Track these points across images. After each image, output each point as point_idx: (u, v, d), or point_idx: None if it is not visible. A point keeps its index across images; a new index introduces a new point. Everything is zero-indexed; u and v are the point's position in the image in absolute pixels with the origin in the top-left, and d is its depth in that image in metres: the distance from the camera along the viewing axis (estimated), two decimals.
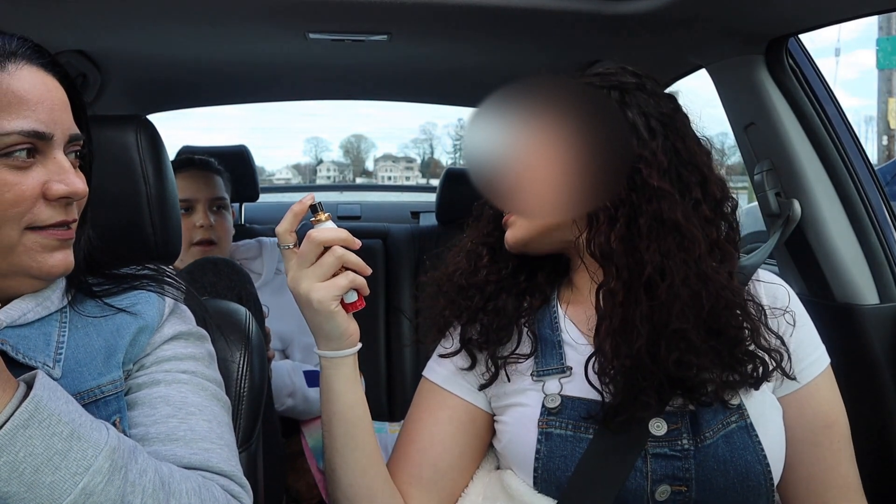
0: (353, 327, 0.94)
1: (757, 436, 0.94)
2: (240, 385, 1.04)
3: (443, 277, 1.07)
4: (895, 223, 1.50)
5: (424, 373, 1.07)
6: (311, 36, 1.60)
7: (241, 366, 1.04)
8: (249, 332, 1.08)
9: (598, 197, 0.92)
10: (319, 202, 0.93)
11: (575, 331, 1.01)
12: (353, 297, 0.93)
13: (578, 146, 0.91)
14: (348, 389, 0.95)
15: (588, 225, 0.95)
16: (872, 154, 13.10)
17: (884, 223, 1.48)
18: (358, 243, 0.92)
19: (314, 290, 0.89)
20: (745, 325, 0.94)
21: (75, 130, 0.82)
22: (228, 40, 1.70)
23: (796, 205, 1.47)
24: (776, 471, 0.95)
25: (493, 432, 1.04)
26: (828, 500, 0.99)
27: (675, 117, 0.98)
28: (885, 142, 14.08)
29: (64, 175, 0.78)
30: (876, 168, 1.58)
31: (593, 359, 0.94)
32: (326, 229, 0.91)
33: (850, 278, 1.45)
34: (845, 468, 1.00)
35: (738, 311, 0.94)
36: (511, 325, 1.01)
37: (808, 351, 1.00)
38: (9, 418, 0.63)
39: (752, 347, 0.94)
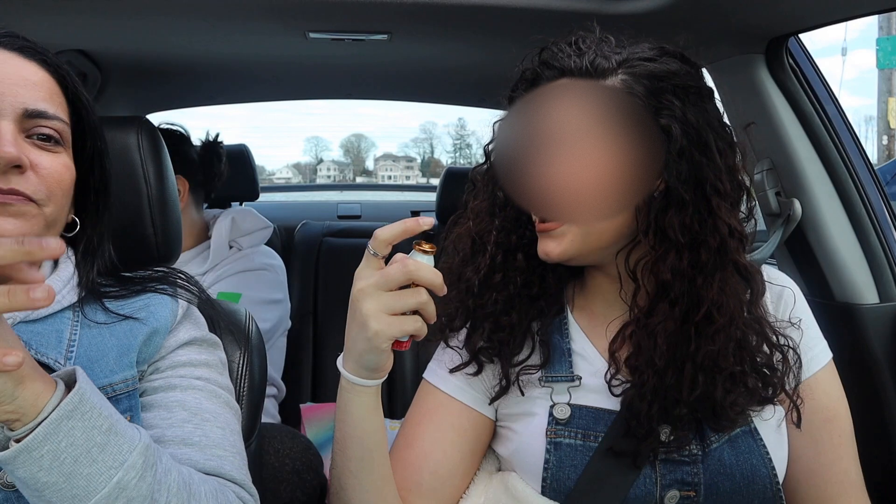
0: (389, 363, 0.85)
1: (761, 439, 0.93)
2: (240, 385, 1.04)
3: (449, 279, 0.98)
4: (895, 223, 1.50)
5: (426, 375, 1.03)
6: (312, 35, 1.60)
7: (241, 366, 1.05)
8: (249, 332, 1.09)
9: (644, 190, 0.88)
10: (434, 232, 0.82)
11: (584, 340, 0.99)
12: (404, 337, 0.82)
13: (618, 149, 0.88)
14: (367, 416, 0.87)
15: (632, 241, 0.91)
16: (872, 154, 13.11)
17: (884, 223, 1.48)
18: (444, 292, 0.82)
19: (377, 320, 0.79)
20: (776, 358, 0.93)
21: (36, 106, 0.81)
22: (229, 40, 1.70)
23: (796, 204, 1.47)
24: (780, 472, 0.94)
25: (494, 435, 1.02)
26: (829, 495, 0.98)
27: (725, 126, 0.92)
28: (885, 141, 14.08)
29: None
30: (876, 168, 1.58)
31: (620, 383, 0.93)
32: (426, 266, 0.80)
33: (850, 278, 1.45)
34: (847, 464, 0.99)
35: (773, 347, 0.93)
36: (524, 337, 0.98)
37: (810, 346, 0.99)
38: (54, 409, 0.65)
39: (776, 377, 0.93)
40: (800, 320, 0.99)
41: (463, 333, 1.01)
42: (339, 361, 0.87)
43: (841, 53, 15.01)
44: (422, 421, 1.00)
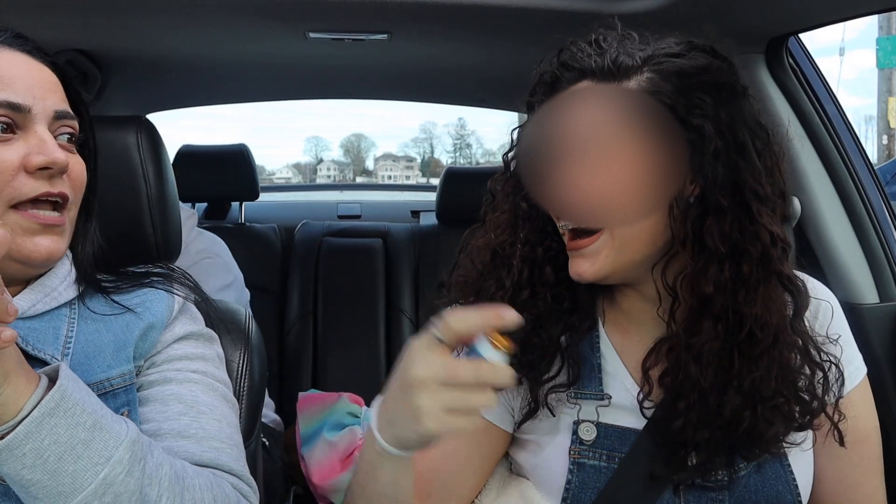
0: None
1: (789, 465, 0.90)
2: (240, 384, 1.04)
3: (466, 293, 0.94)
4: (895, 223, 1.50)
5: None
6: (312, 35, 1.60)
7: (240, 365, 1.05)
8: (249, 332, 1.09)
9: (675, 186, 0.83)
10: (514, 330, 0.69)
11: (615, 357, 0.94)
12: None
13: (646, 151, 0.83)
14: (402, 478, 0.81)
15: (668, 253, 0.86)
16: (872, 153, 13.11)
17: (884, 223, 1.48)
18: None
19: (433, 420, 0.69)
20: (817, 378, 0.89)
21: (61, 107, 0.82)
22: (229, 40, 1.71)
23: (796, 202, 1.47)
24: (805, 496, 0.91)
25: (512, 441, 0.97)
26: None
27: (762, 126, 0.87)
28: (885, 141, 14.07)
29: (43, 146, 0.78)
30: (876, 167, 1.59)
31: (652, 404, 0.89)
32: (503, 369, 0.69)
33: (850, 278, 1.45)
34: (873, 486, 0.96)
35: (814, 366, 0.89)
36: (553, 355, 0.92)
37: (847, 363, 0.94)
38: (35, 406, 0.64)
39: (815, 402, 0.89)
40: (839, 336, 0.93)
41: None
42: (374, 424, 0.77)
43: (839, 53, 15.02)
44: None
